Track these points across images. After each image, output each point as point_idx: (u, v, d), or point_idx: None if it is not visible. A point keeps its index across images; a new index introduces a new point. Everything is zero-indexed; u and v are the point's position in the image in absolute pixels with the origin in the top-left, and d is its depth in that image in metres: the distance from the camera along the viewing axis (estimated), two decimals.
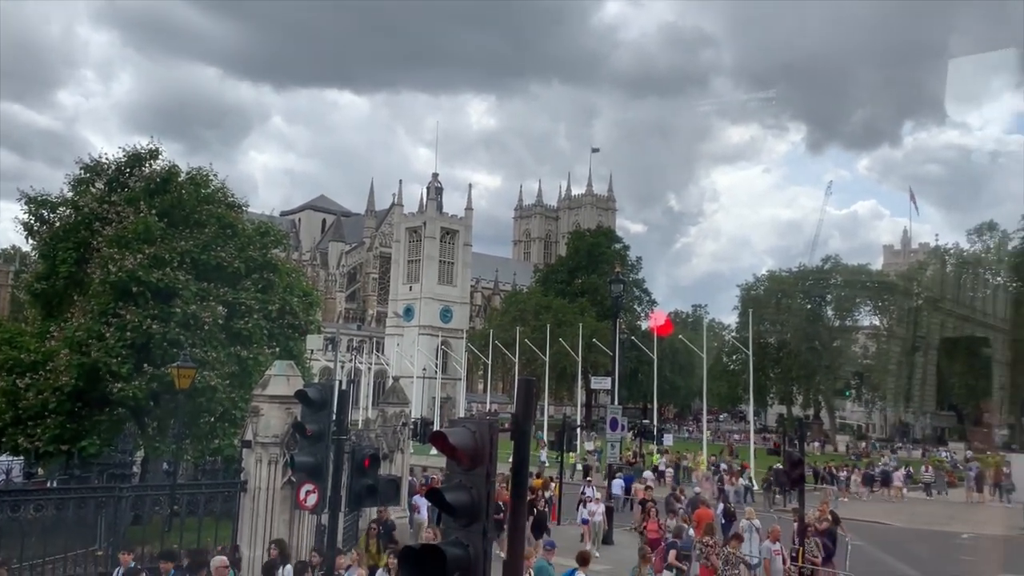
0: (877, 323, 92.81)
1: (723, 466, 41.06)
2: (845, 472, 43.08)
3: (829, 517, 19.21)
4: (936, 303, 77.24)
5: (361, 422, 47.29)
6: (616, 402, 28.92)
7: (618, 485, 33.91)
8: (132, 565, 12.22)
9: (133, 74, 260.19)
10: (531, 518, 20.20)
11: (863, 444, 77.59)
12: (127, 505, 14.07)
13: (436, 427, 75.68)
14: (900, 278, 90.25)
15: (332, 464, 11.06)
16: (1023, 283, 72.66)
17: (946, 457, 58.92)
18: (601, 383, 37.14)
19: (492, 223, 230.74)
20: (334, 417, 11.08)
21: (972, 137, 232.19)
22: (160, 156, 28.56)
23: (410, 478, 26.20)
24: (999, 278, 76.94)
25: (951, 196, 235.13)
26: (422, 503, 21.81)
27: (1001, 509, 37.92)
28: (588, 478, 30.50)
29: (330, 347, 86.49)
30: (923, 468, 45.67)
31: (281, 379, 15.56)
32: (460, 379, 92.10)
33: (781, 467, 25.85)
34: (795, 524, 18.03)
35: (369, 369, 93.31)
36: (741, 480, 37.89)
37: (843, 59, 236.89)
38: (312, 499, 11.08)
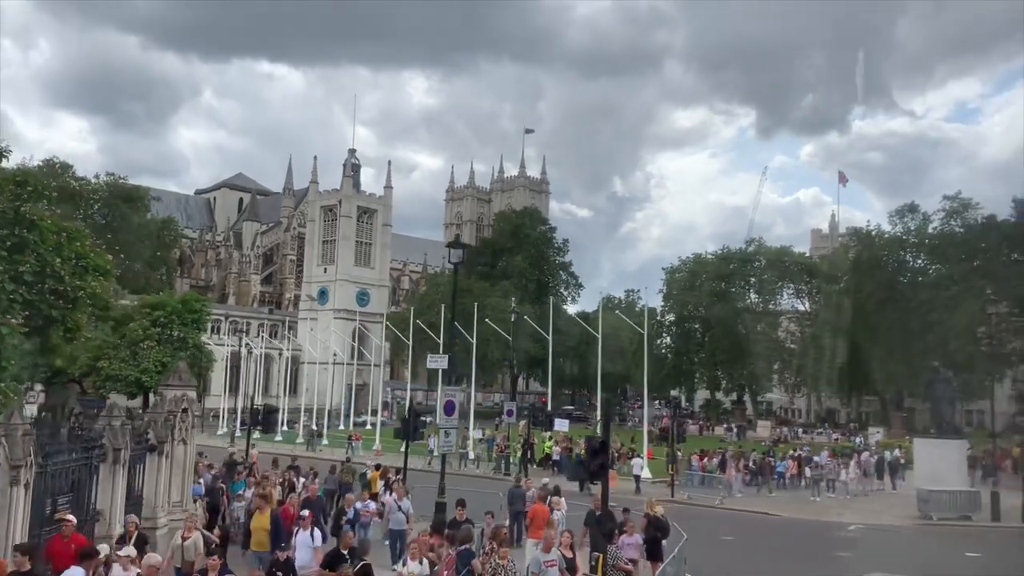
0: (800, 307, 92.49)
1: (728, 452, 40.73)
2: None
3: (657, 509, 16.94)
4: (858, 286, 76.64)
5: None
6: (530, 387, 25.76)
7: (638, 465, 37.49)
8: None
9: (53, 42, 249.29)
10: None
11: (783, 430, 76.59)
12: None
13: (352, 415, 72.99)
14: (823, 261, 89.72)
15: None
16: (943, 265, 72.29)
17: (858, 443, 57.74)
18: (437, 362, 32.95)
19: (433, 206, 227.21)
20: None
21: (915, 125, 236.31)
22: None
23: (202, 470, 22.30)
24: (919, 261, 76.70)
25: (892, 185, 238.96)
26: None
27: (898, 496, 36.51)
28: (387, 489, 20.88)
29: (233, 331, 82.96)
30: (824, 453, 43.58)
31: None
32: (377, 365, 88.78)
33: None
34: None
35: (280, 354, 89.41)
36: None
37: (796, 42, 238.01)
38: None
